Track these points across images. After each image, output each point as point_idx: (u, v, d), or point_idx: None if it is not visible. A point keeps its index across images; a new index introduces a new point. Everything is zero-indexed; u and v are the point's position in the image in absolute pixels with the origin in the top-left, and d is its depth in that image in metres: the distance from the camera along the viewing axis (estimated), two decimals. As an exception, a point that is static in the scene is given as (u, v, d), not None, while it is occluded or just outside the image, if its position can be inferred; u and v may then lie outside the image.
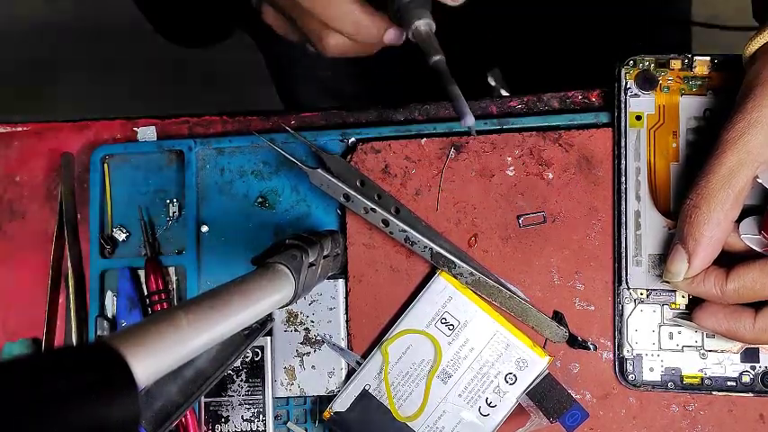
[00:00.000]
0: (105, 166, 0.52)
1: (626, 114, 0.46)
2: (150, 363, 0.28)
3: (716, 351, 0.45)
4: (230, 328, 0.33)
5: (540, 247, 0.47)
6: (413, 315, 0.47)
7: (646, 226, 0.45)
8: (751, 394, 0.44)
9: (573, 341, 0.46)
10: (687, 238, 0.40)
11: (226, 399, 0.48)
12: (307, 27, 0.42)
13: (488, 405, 0.46)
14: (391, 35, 0.41)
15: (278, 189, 0.50)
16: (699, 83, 0.45)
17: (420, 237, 0.46)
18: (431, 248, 0.46)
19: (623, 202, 0.45)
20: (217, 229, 0.51)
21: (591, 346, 0.46)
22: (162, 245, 0.51)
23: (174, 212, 0.51)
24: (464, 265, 0.46)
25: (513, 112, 0.50)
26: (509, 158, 0.48)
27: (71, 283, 0.51)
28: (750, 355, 0.44)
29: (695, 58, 0.45)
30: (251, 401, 0.48)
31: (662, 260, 0.44)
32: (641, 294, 0.45)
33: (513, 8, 0.66)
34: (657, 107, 0.46)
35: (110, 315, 0.51)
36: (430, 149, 0.48)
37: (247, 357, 0.48)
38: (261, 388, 0.48)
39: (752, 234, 0.41)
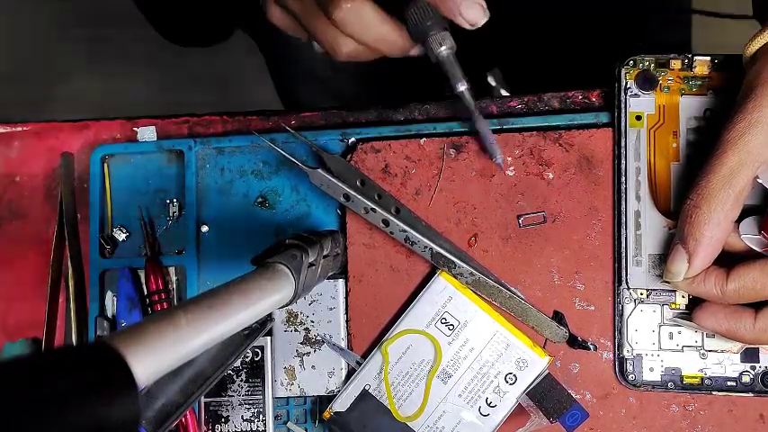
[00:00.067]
0: (105, 166, 0.52)
1: (626, 114, 0.46)
2: (150, 363, 0.28)
3: (716, 351, 0.45)
4: (230, 328, 0.33)
5: (540, 247, 0.47)
6: (413, 315, 0.47)
7: (646, 226, 0.45)
8: (751, 394, 0.44)
9: (573, 341, 0.46)
10: (687, 238, 0.40)
11: (226, 399, 0.48)
12: (319, 32, 0.42)
13: (488, 405, 0.46)
14: (417, 51, 0.42)
15: (278, 189, 0.50)
16: (699, 83, 0.45)
17: (420, 237, 0.46)
18: (431, 248, 0.46)
19: (623, 202, 0.45)
20: (217, 229, 0.51)
21: (591, 346, 0.46)
22: (162, 245, 0.51)
23: (174, 212, 0.51)
24: (464, 265, 0.46)
25: (513, 112, 0.50)
26: (509, 158, 0.48)
27: (71, 283, 0.51)
28: (750, 355, 0.44)
29: (695, 58, 0.45)
30: (251, 401, 0.48)
31: (662, 260, 0.44)
32: (641, 294, 0.45)
33: (513, 8, 0.66)
34: (657, 107, 0.46)
35: (110, 315, 0.51)
36: (430, 149, 0.48)
37: (247, 357, 0.48)
38: (261, 388, 0.48)
39: (752, 234, 0.41)
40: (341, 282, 0.48)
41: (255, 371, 0.48)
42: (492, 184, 0.48)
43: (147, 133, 0.52)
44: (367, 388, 0.47)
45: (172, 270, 0.51)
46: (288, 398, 0.49)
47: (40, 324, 0.52)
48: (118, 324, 0.50)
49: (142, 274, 0.50)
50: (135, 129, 0.53)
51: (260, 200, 0.51)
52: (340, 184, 0.46)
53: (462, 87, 0.42)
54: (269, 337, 0.48)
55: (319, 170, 0.47)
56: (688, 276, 0.41)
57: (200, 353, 0.32)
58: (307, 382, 0.48)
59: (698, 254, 0.40)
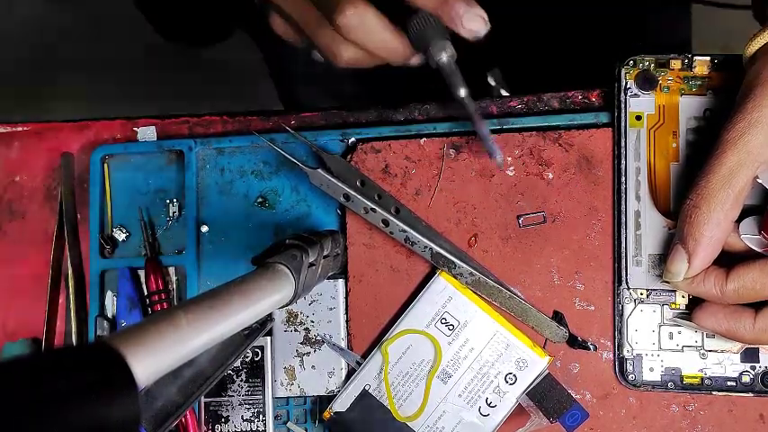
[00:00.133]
0: (105, 166, 0.52)
1: (626, 114, 0.46)
2: (150, 363, 0.28)
3: (716, 351, 0.45)
4: (230, 328, 0.33)
5: (540, 247, 0.47)
6: (413, 315, 0.47)
7: (646, 226, 0.45)
8: (751, 394, 0.44)
9: (573, 341, 0.46)
10: (687, 238, 0.40)
11: (226, 399, 0.48)
12: (321, 38, 0.42)
13: (488, 405, 0.46)
14: (418, 60, 0.42)
15: (278, 189, 0.50)
16: (699, 83, 0.45)
17: (420, 237, 0.46)
18: (431, 248, 0.46)
19: (623, 202, 0.45)
20: (217, 229, 0.51)
21: (591, 346, 0.46)
22: (162, 245, 0.51)
23: (174, 212, 0.51)
24: (464, 265, 0.46)
25: (513, 112, 0.50)
26: (509, 158, 0.48)
27: (71, 283, 0.51)
28: (750, 355, 0.44)
29: (695, 58, 0.45)
30: (251, 401, 0.48)
31: (662, 260, 0.44)
32: (641, 294, 0.45)
33: (513, 8, 0.66)
34: (657, 107, 0.46)
35: (110, 315, 0.51)
36: (430, 149, 0.48)
37: (247, 357, 0.48)
38: (261, 388, 0.48)
39: (752, 234, 0.41)
40: (341, 282, 0.48)
41: (255, 371, 0.48)
42: (492, 184, 0.48)
43: (147, 133, 0.52)
44: (367, 388, 0.47)
45: (172, 270, 0.51)
46: (288, 398, 0.49)
47: (40, 324, 0.52)
48: (118, 324, 0.50)
49: (142, 274, 0.51)
50: (135, 129, 0.53)
51: (260, 200, 0.51)
52: (340, 185, 0.46)
53: (463, 94, 0.42)
54: (269, 337, 0.48)
55: (319, 170, 0.47)
56: (688, 276, 0.41)
57: (201, 353, 0.32)
58: (307, 382, 0.48)
59: (697, 254, 0.40)
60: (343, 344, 0.48)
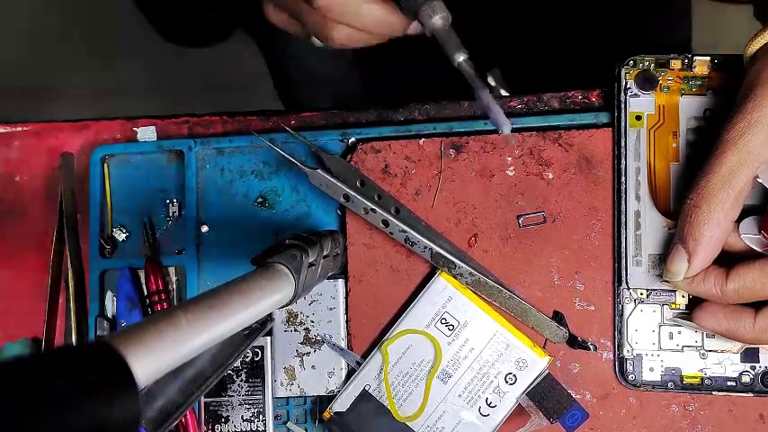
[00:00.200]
0: (105, 166, 0.52)
1: (626, 114, 0.46)
2: (150, 362, 0.28)
3: (716, 351, 0.45)
4: (230, 328, 0.33)
5: (540, 247, 0.47)
6: (413, 315, 0.47)
7: (646, 226, 0.45)
8: (751, 394, 0.44)
9: (573, 341, 0.46)
10: (687, 237, 0.40)
11: (226, 399, 0.48)
12: (310, 22, 0.41)
13: (488, 405, 0.46)
14: (416, 28, 0.40)
15: (278, 189, 0.50)
16: (699, 83, 0.45)
17: (420, 237, 0.46)
18: (431, 249, 0.46)
19: (623, 202, 0.45)
20: (217, 229, 0.51)
21: (591, 346, 0.46)
22: (162, 245, 0.51)
23: (174, 212, 0.51)
24: (464, 266, 0.46)
25: (513, 112, 0.50)
26: (509, 158, 0.48)
27: (71, 283, 0.51)
28: (750, 355, 0.44)
29: (695, 58, 0.45)
30: (251, 401, 0.48)
31: (662, 260, 0.44)
32: (641, 294, 0.45)
33: (513, 8, 0.66)
34: (657, 107, 0.46)
35: (110, 315, 0.51)
36: (430, 149, 0.48)
37: (247, 357, 0.48)
38: (261, 388, 0.48)
39: (752, 234, 0.41)
40: (341, 282, 0.48)
41: (255, 371, 0.48)
42: (492, 184, 0.48)
43: (147, 133, 0.52)
44: (367, 388, 0.47)
45: (172, 270, 0.51)
46: (288, 398, 0.49)
47: (40, 324, 0.52)
48: (118, 324, 0.50)
49: (142, 274, 0.51)
50: (135, 129, 0.53)
51: (260, 200, 0.51)
52: (340, 185, 0.46)
53: (461, 58, 0.38)
54: (269, 337, 0.48)
55: (319, 170, 0.47)
56: (688, 276, 0.41)
57: (201, 353, 0.32)
58: (307, 382, 0.48)
59: (697, 253, 0.40)
60: (343, 344, 0.48)
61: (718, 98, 0.45)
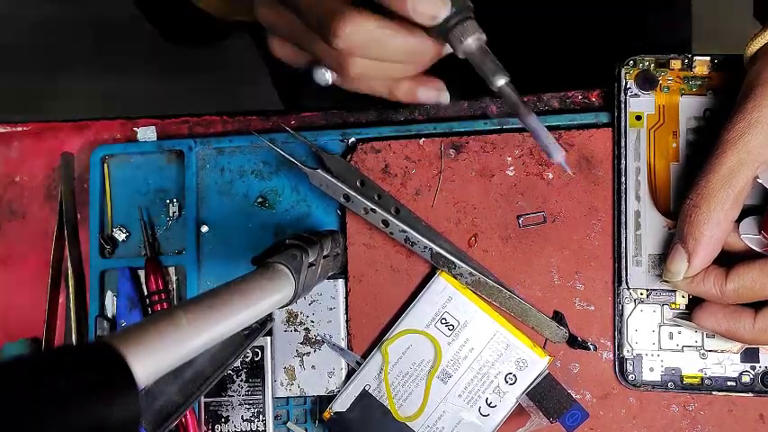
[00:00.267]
0: (105, 166, 0.52)
1: (626, 114, 0.46)
2: (150, 362, 0.28)
3: (716, 351, 0.45)
4: (230, 328, 0.33)
5: (540, 247, 0.47)
6: (413, 315, 0.47)
7: (646, 226, 0.45)
8: (751, 394, 0.44)
9: (573, 341, 0.46)
10: (687, 237, 0.40)
11: (226, 399, 0.48)
12: (326, 55, 0.38)
13: (488, 405, 0.46)
14: (447, 50, 0.37)
15: (278, 189, 0.50)
16: (699, 83, 0.45)
17: (420, 237, 0.46)
18: (431, 249, 0.46)
19: (623, 202, 0.45)
20: (217, 229, 0.51)
21: (591, 346, 0.46)
22: (162, 245, 0.51)
23: (174, 212, 0.51)
24: (464, 266, 0.46)
25: (512, 113, 0.49)
26: (509, 158, 0.48)
27: (71, 283, 0.51)
28: (750, 355, 0.44)
29: (695, 58, 0.45)
30: (251, 401, 0.48)
31: (662, 260, 0.44)
32: (641, 294, 0.45)
33: (513, 8, 0.66)
34: (657, 107, 0.46)
35: (110, 315, 0.51)
36: (430, 149, 0.48)
37: (247, 357, 0.48)
38: (261, 388, 0.48)
39: (752, 234, 0.41)
40: (341, 282, 0.48)
41: (255, 371, 0.48)
42: (492, 184, 0.48)
43: (147, 133, 0.52)
44: (367, 388, 0.47)
45: (172, 270, 0.51)
46: (288, 398, 0.49)
47: (40, 324, 0.52)
48: (118, 324, 0.50)
49: (142, 274, 0.51)
50: (135, 129, 0.53)
51: (260, 200, 0.51)
52: (340, 185, 0.46)
53: (501, 82, 0.34)
54: (269, 337, 0.48)
55: (319, 170, 0.47)
56: (687, 276, 0.41)
57: (201, 353, 0.32)
58: (307, 382, 0.48)
59: (697, 253, 0.40)
60: (343, 344, 0.48)
61: (718, 98, 0.45)
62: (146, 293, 0.50)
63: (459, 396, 0.46)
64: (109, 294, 0.51)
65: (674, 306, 0.45)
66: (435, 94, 0.40)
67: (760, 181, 0.39)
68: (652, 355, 0.45)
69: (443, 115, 0.50)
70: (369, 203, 0.46)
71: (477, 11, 0.35)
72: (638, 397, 0.46)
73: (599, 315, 0.46)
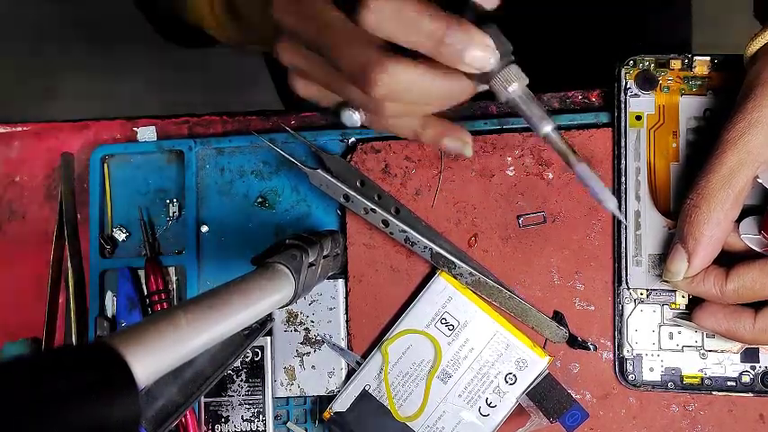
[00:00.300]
0: (105, 166, 0.52)
1: (626, 114, 0.46)
2: (150, 362, 0.28)
3: (716, 351, 0.45)
4: (230, 328, 0.33)
5: (540, 247, 0.47)
6: (413, 315, 0.47)
7: (646, 226, 0.45)
8: (751, 394, 0.44)
9: (573, 341, 0.46)
10: (687, 237, 0.40)
11: (226, 399, 0.48)
12: (358, 99, 0.37)
13: (488, 405, 0.46)
14: (482, 88, 0.36)
15: (278, 189, 0.50)
16: (699, 83, 0.45)
17: (420, 237, 0.46)
18: (431, 249, 0.46)
19: (623, 202, 0.45)
20: (217, 229, 0.51)
21: (591, 346, 0.46)
22: (162, 245, 0.51)
23: (174, 212, 0.51)
24: (464, 266, 0.46)
25: (513, 113, 0.49)
26: (509, 158, 0.48)
27: (71, 283, 0.51)
28: (750, 355, 0.44)
29: (695, 58, 0.45)
30: (251, 401, 0.48)
31: (662, 260, 0.44)
32: (641, 294, 0.45)
33: (512, 8, 0.66)
34: (657, 107, 0.46)
35: (110, 315, 0.51)
36: (430, 149, 0.48)
37: (247, 357, 0.48)
38: (261, 388, 0.48)
39: (752, 234, 0.41)
40: (341, 282, 0.48)
41: (255, 371, 0.48)
42: (492, 184, 0.48)
43: (147, 133, 0.52)
44: (367, 388, 0.47)
45: (172, 270, 0.51)
46: (288, 398, 0.49)
47: (40, 324, 0.52)
48: (118, 324, 0.50)
49: (142, 274, 0.51)
50: (135, 129, 0.53)
51: (260, 200, 0.51)
52: (340, 185, 0.46)
53: (547, 128, 0.34)
54: (269, 337, 0.48)
55: (319, 171, 0.47)
56: (687, 276, 0.41)
57: (200, 353, 0.32)
58: (307, 382, 0.48)
59: (697, 253, 0.40)
60: (343, 344, 0.48)
61: (718, 98, 0.45)
62: (146, 293, 0.50)
63: (459, 396, 0.46)
64: (109, 294, 0.51)
65: (674, 306, 0.45)
66: (460, 145, 0.40)
67: (760, 181, 0.39)
68: (652, 355, 0.45)
69: (443, 115, 0.50)
70: (369, 203, 0.46)
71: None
72: (638, 397, 0.46)
73: (599, 315, 0.46)
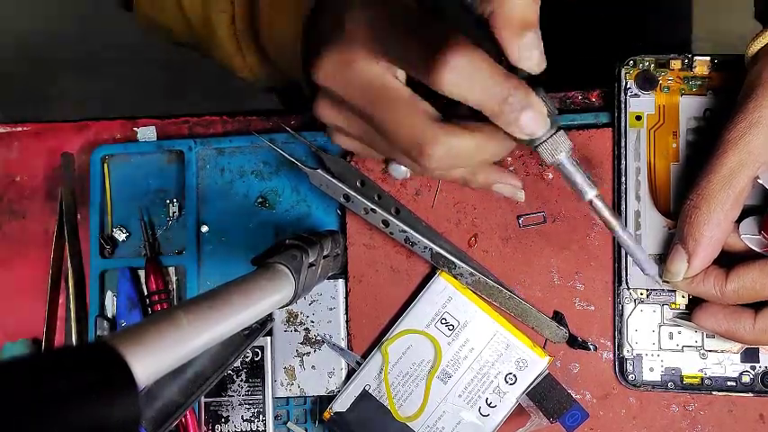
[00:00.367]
0: (105, 166, 0.52)
1: (626, 114, 0.46)
2: (150, 362, 0.28)
3: (716, 351, 0.45)
4: (230, 328, 0.33)
5: (540, 247, 0.47)
6: (413, 315, 0.47)
7: (646, 226, 0.45)
8: (751, 394, 0.44)
9: (573, 341, 0.46)
10: (687, 238, 0.40)
11: (226, 399, 0.48)
12: (401, 161, 0.38)
13: (488, 405, 0.46)
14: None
15: (278, 189, 0.50)
16: (699, 83, 0.45)
17: (420, 237, 0.46)
18: (431, 249, 0.46)
19: (623, 202, 0.45)
20: (217, 229, 0.51)
21: (591, 347, 0.46)
22: (162, 245, 0.51)
23: (174, 212, 0.51)
24: (464, 266, 0.46)
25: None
26: (509, 158, 0.48)
27: (71, 283, 0.51)
28: (750, 355, 0.44)
29: (695, 58, 0.45)
30: (251, 401, 0.48)
31: (662, 260, 0.44)
32: (641, 294, 0.45)
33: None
34: (657, 107, 0.46)
35: (110, 315, 0.51)
36: (430, 149, 0.48)
37: (247, 357, 0.48)
38: (261, 388, 0.48)
39: (752, 234, 0.41)
40: (341, 282, 0.48)
41: (255, 371, 0.48)
42: (492, 185, 0.48)
43: (147, 133, 0.52)
44: (367, 388, 0.47)
45: (172, 270, 0.51)
46: (288, 398, 0.49)
47: (40, 324, 0.52)
48: (118, 324, 0.50)
49: (142, 274, 0.51)
50: (135, 129, 0.53)
51: (260, 200, 0.51)
52: (340, 185, 0.46)
53: (591, 195, 0.36)
54: (269, 337, 0.48)
55: (319, 171, 0.47)
56: (687, 276, 0.41)
57: (201, 353, 0.32)
58: (307, 382, 0.48)
59: (697, 254, 0.40)
60: (343, 344, 0.48)
61: (718, 98, 0.45)
62: (146, 293, 0.50)
63: (459, 396, 0.46)
64: (109, 294, 0.51)
65: (674, 306, 0.45)
66: (511, 190, 0.42)
67: (760, 181, 0.39)
68: (652, 355, 0.45)
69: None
70: (369, 203, 0.46)
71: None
72: (638, 397, 0.46)
73: (599, 315, 0.46)
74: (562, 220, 0.47)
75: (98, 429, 0.24)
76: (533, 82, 0.34)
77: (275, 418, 0.49)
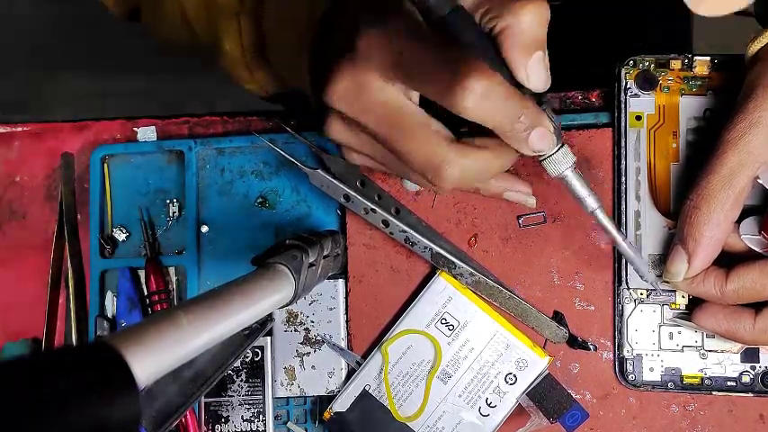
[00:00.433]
0: (105, 166, 0.52)
1: (626, 114, 0.46)
2: (150, 363, 0.28)
3: (716, 351, 0.45)
4: (230, 328, 0.33)
5: (540, 247, 0.47)
6: (413, 315, 0.47)
7: (646, 226, 0.45)
8: (751, 394, 0.44)
9: (573, 341, 0.46)
10: (687, 238, 0.40)
11: (226, 399, 0.48)
12: (414, 178, 0.38)
13: (488, 405, 0.46)
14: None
15: (278, 189, 0.50)
16: (699, 83, 0.45)
17: (420, 237, 0.46)
18: (431, 249, 0.46)
19: (623, 202, 0.45)
20: (217, 229, 0.51)
21: (591, 347, 0.46)
22: (162, 245, 0.51)
23: (174, 212, 0.51)
24: (464, 266, 0.46)
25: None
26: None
27: (71, 283, 0.51)
28: (750, 355, 0.44)
29: (695, 58, 0.45)
30: (251, 401, 0.48)
31: (662, 260, 0.44)
32: (641, 294, 0.45)
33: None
34: (657, 107, 0.46)
35: (110, 315, 0.51)
36: (430, 149, 0.48)
37: (247, 357, 0.48)
38: (261, 388, 0.48)
39: (752, 234, 0.41)
40: (341, 282, 0.48)
41: (255, 371, 0.48)
42: (492, 185, 0.48)
43: (147, 133, 0.52)
44: (367, 388, 0.47)
45: (172, 270, 0.51)
46: (288, 398, 0.49)
47: (40, 324, 0.52)
48: (118, 324, 0.50)
49: (142, 274, 0.51)
50: (135, 129, 0.53)
51: (260, 200, 0.51)
52: (340, 185, 0.46)
53: (594, 206, 0.38)
54: (269, 337, 0.48)
55: (319, 171, 0.47)
56: (688, 277, 0.41)
57: (201, 353, 0.32)
58: (307, 382, 0.48)
59: (697, 254, 0.40)
60: (343, 344, 0.48)
61: (718, 98, 0.45)
62: (146, 293, 0.50)
63: (459, 396, 0.46)
64: (109, 294, 0.51)
65: (674, 306, 0.45)
66: (522, 197, 0.44)
67: (760, 181, 0.39)
68: (652, 355, 0.45)
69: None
70: (369, 204, 0.46)
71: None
72: (638, 397, 0.46)
73: (599, 315, 0.46)
74: (562, 220, 0.47)
75: (98, 429, 0.24)
76: (538, 95, 0.35)
77: (275, 418, 0.49)
